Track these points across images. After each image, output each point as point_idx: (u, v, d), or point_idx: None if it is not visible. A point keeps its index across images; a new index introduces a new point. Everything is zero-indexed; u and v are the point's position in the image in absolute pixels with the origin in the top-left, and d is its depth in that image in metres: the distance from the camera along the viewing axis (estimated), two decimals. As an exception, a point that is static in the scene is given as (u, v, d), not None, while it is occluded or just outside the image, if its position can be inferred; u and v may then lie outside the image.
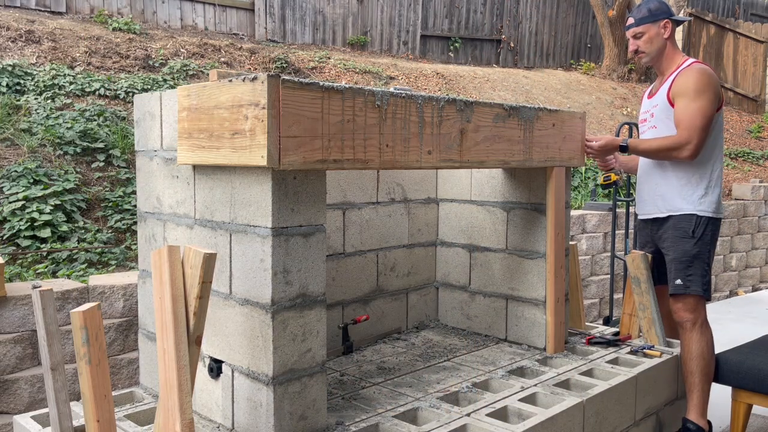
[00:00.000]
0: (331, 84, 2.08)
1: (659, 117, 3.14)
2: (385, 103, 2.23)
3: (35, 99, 4.99)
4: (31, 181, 4.13)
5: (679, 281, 3.06)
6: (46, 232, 3.82)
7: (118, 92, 5.47)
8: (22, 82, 5.14)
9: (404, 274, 3.53)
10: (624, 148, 3.15)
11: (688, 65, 3.09)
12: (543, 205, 3.16)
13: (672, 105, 3.06)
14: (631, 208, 5.31)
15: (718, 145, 3.12)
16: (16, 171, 4.16)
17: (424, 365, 2.99)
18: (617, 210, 5.16)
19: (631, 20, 3.20)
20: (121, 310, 3.14)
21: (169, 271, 1.96)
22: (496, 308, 3.41)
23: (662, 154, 3.06)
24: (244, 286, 2.18)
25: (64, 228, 3.93)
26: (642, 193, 3.29)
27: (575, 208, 6.13)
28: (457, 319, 3.62)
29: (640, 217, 3.36)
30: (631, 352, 3.19)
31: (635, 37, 3.18)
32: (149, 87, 5.67)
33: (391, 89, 2.44)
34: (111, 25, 6.79)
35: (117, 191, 4.43)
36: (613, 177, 3.55)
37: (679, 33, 11.88)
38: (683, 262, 3.06)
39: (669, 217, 3.13)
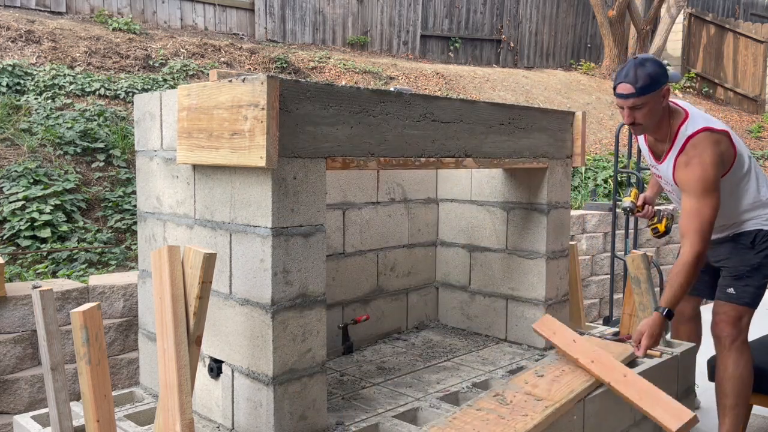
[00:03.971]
0: (330, 84, 2.08)
1: (680, 196, 2.89)
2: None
3: (35, 99, 5.00)
4: (31, 181, 4.13)
5: (731, 290, 2.91)
6: (46, 232, 3.82)
7: (118, 92, 5.47)
8: (22, 82, 5.14)
9: (404, 274, 3.53)
10: (670, 315, 2.79)
11: (682, 147, 2.78)
12: (543, 205, 3.16)
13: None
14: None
15: (742, 178, 2.90)
16: (16, 171, 4.16)
17: (424, 365, 2.99)
18: (617, 210, 5.16)
19: (629, 88, 2.70)
20: (121, 310, 3.14)
21: (169, 271, 1.96)
22: (496, 308, 3.41)
23: (694, 277, 2.74)
24: (244, 286, 2.18)
25: (64, 228, 3.93)
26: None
27: (575, 208, 6.13)
28: (457, 319, 3.62)
29: None
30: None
31: (633, 108, 2.74)
32: (149, 87, 5.67)
33: (391, 89, 2.44)
34: (111, 25, 6.79)
35: (117, 191, 4.43)
36: (661, 227, 3.29)
37: (679, 33, 11.89)
38: (741, 271, 2.92)
39: (729, 235, 2.99)
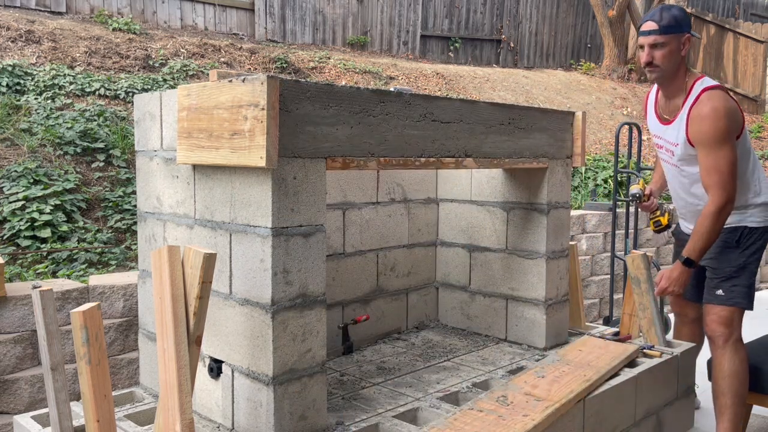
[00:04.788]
0: (331, 84, 2.08)
1: (681, 157, 2.91)
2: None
3: (35, 99, 5.00)
4: (31, 181, 4.13)
5: (720, 292, 2.89)
6: (46, 232, 3.82)
7: (118, 92, 5.47)
8: (22, 82, 5.14)
9: (404, 274, 3.53)
10: (691, 263, 2.83)
11: (698, 96, 2.79)
12: (543, 205, 3.16)
13: (693, 146, 2.83)
14: (631, 207, 5.30)
15: (746, 152, 2.91)
16: (16, 171, 4.16)
17: (424, 365, 2.99)
18: (617, 210, 5.16)
19: (652, 25, 2.76)
20: (121, 310, 3.14)
21: (169, 271, 1.96)
22: (496, 308, 3.41)
23: (719, 228, 2.77)
24: (244, 286, 2.18)
25: (64, 228, 3.93)
26: (684, 209, 3.11)
27: (575, 208, 6.13)
28: (457, 319, 3.62)
29: (684, 231, 3.18)
30: (631, 352, 3.18)
31: (653, 46, 2.78)
32: (149, 87, 5.67)
33: (391, 89, 2.44)
34: (111, 25, 6.79)
35: (117, 191, 4.43)
36: (664, 221, 3.26)
37: (679, 33, 11.86)
38: (727, 272, 2.90)
39: None
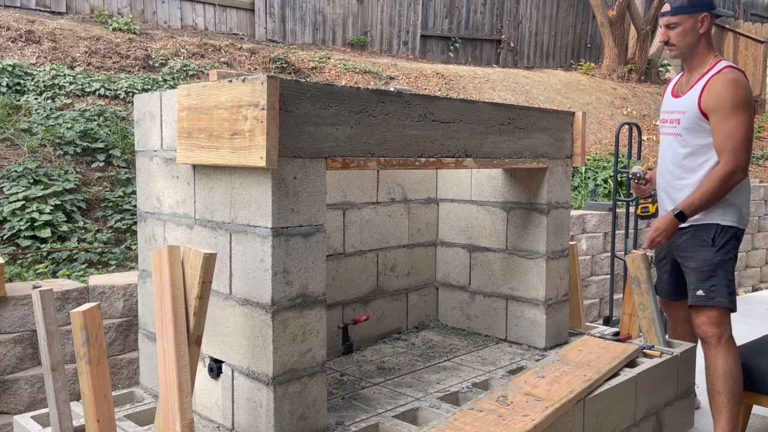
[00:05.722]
0: (331, 84, 2.08)
1: (686, 125, 2.92)
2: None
3: (35, 99, 4.99)
4: (31, 181, 4.13)
5: (700, 292, 2.89)
6: (46, 232, 3.82)
7: (118, 92, 5.47)
8: (22, 82, 5.14)
9: (404, 274, 3.53)
10: (682, 217, 2.90)
11: (720, 70, 2.86)
12: (543, 205, 3.16)
13: (704, 114, 2.86)
14: (630, 208, 5.30)
15: None
16: (16, 171, 4.16)
17: (424, 365, 2.99)
18: (617, 210, 5.16)
19: (667, 7, 2.92)
20: (121, 310, 3.14)
21: (169, 271, 1.96)
22: (496, 308, 3.41)
23: (722, 193, 2.83)
24: (244, 286, 2.18)
25: (64, 228, 3.93)
26: (666, 183, 3.10)
27: (575, 208, 6.13)
28: (457, 319, 3.62)
29: None
30: (631, 352, 3.18)
31: (668, 26, 2.92)
32: (149, 87, 5.67)
33: (391, 89, 2.44)
34: (111, 25, 6.79)
35: (117, 191, 4.43)
36: (652, 209, 3.28)
37: (679, 33, 11.85)
38: (704, 272, 2.90)
39: (689, 226, 2.97)
